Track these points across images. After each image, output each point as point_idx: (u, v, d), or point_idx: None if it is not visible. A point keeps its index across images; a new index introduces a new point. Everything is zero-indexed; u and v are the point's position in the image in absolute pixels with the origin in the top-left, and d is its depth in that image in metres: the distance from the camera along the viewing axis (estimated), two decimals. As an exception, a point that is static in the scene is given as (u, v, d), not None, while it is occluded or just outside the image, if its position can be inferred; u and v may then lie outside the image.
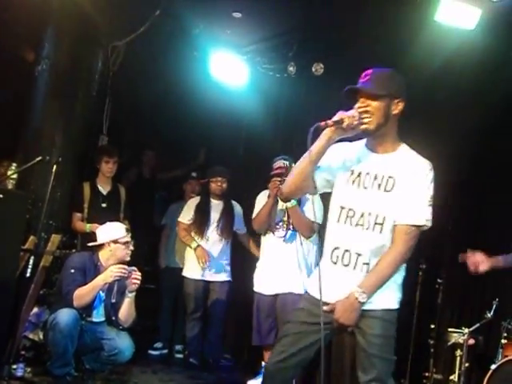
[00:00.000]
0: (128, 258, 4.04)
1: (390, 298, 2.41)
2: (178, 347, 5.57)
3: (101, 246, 4.01)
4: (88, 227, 4.67)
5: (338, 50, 5.27)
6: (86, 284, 3.80)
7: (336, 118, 2.33)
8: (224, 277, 5.06)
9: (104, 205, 4.90)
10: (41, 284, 4.03)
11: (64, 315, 3.66)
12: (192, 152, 6.53)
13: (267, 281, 4.35)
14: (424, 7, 4.35)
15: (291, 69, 5.60)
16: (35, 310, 4.15)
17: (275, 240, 4.35)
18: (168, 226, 5.86)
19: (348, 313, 2.33)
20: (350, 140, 2.49)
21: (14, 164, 4.58)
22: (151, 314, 5.61)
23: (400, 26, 4.57)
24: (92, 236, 4.24)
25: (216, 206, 5.08)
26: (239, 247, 5.26)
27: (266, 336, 4.33)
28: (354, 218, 2.42)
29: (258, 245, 4.68)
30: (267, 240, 4.42)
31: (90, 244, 4.09)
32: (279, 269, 4.29)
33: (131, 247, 4.05)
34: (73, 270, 3.85)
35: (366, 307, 2.35)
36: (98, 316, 3.97)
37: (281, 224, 4.35)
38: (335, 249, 2.45)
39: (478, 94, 4.60)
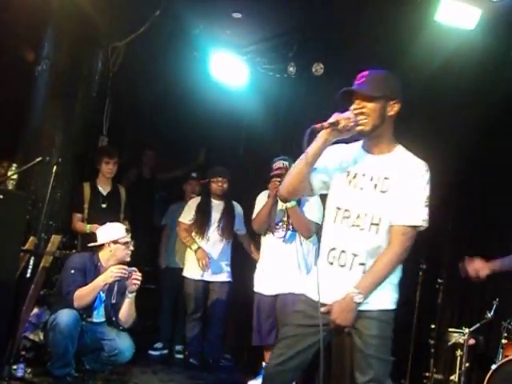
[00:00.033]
0: (128, 259, 4.04)
1: (386, 298, 2.41)
2: (178, 347, 5.57)
3: (101, 246, 4.01)
4: (88, 228, 4.67)
5: (337, 50, 5.27)
6: (86, 285, 3.80)
7: (331, 119, 2.34)
8: (224, 277, 5.06)
9: (104, 205, 4.89)
10: (41, 284, 4.02)
11: (64, 316, 3.66)
12: (192, 152, 6.52)
13: (267, 281, 4.35)
14: (424, 7, 4.35)
15: (291, 69, 5.60)
16: (35, 310, 4.15)
17: (275, 240, 4.35)
18: (168, 226, 5.86)
19: (344, 313, 2.34)
20: (347, 142, 2.50)
21: (14, 164, 4.57)
22: (151, 315, 5.61)
23: (400, 26, 4.57)
24: (92, 236, 4.24)
25: (217, 206, 5.08)
26: (239, 247, 5.26)
27: (267, 336, 4.33)
28: (350, 219, 2.43)
29: (258, 246, 4.68)
30: (267, 240, 4.42)
31: (90, 244, 4.09)
32: (279, 269, 4.29)
33: (131, 247, 4.05)
34: (73, 271, 3.85)
35: (362, 308, 2.36)
36: (99, 316, 3.97)
37: (280, 224, 4.35)
38: (332, 249, 2.46)
39: (478, 93, 4.60)
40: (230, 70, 5.75)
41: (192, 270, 5.03)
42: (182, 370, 4.99)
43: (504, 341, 3.92)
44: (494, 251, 4.19)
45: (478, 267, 3.36)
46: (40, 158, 4.06)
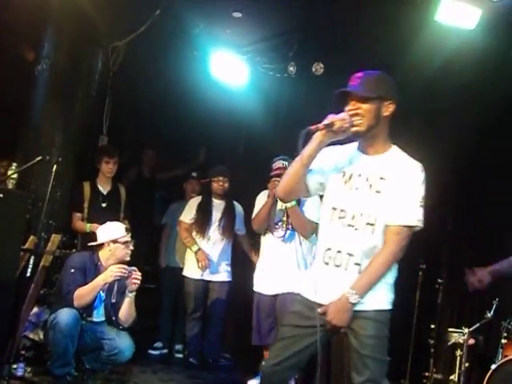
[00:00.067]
0: (128, 258, 4.04)
1: (382, 298, 2.42)
2: (178, 347, 5.57)
3: (101, 245, 4.01)
4: (88, 227, 4.67)
5: (338, 49, 5.27)
6: (86, 284, 3.80)
7: (326, 121, 2.36)
8: (224, 277, 5.07)
9: (104, 204, 4.89)
10: (41, 284, 4.03)
11: (64, 315, 3.66)
12: (192, 152, 6.53)
13: (267, 281, 4.35)
14: (424, 7, 4.35)
15: (291, 68, 5.60)
16: (35, 309, 4.15)
17: (274, 240, 4.35)
18: (168, 225, 5.86)
19: (340, 314, 2.35)
20: (342, 143, 2.51)
21: (14, 164, 4.57)
22: (151, 314, 5.60)
23: (400, 26, 4.57)
24: (92, 236, 4.24)
25: (218, 206, 5.09)
26: (239, 247, 5.26)
27: (266, 336, 4.33)
28: (346, 219, 2.43)
29: (258, 246, 4.68)
30: (266, 240, 4.43)
31: (90, 244, 4.09)
32: (278, 269, 4.30)
33: (131, 247, 4.05)
34: (73, 270, 3.85)
35: (357, 308, 2.36)
36: (99, 316, 3.97)
37: (280, 224, 4.35)
38: (327, 250, 2.47)
39: (478, 93, 4.60)
40: (230, 69, 5.75)
41: (192, 269, 5.03)
42: (182, 370, 4.99)
43: (504, 341, 3.92)
44: (493, 251, 4.20)
45: (480, 276, 3.39)
46: (40, 158, 4.06)
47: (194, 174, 5.95)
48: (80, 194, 4.84)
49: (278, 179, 4.16)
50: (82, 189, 4.85)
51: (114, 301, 3.98)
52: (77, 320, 3.70)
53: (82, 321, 3.80)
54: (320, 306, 2.40)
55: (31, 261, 3.92)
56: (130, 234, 4.10)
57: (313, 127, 2.35)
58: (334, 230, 2.46)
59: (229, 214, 5.07)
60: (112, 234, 4.01)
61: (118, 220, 4.49)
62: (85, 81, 5.06)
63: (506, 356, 3.81)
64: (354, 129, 2.38)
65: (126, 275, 3.82)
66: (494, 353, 3.98)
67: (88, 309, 3.87)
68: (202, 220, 5.04)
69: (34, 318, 4.14)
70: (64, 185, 4.73)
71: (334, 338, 3.35)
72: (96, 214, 4.74)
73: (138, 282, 3.87)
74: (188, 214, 5.13)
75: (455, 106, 4.77)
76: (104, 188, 4.96)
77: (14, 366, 3.77)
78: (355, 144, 2.54)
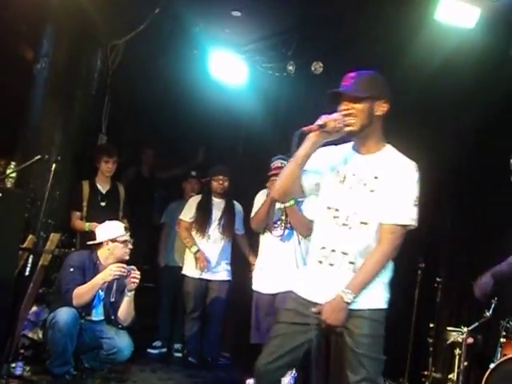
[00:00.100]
0: (127, 257, 4.03)
1: (377, 297, 2.43)
2: (177, 346, 5.57)
3: (99, 244, 4.00)
4: (87, 226, 4.67)
5: (337, 48, 5.27)
6: (85, 283, 3.80)
7: (320, 122, 2.38)
8: (224, 276, 5.07)
9: (103, 203, 4.89)
10: (40, 283, 4.02)
11: (63, 314, 3.65)
12: (191, 151, 6.53)
13: (266, 280, 4.35)
14: (424, 6, 4.35)
15: (290, 68, 5.60)
16: (34, 308, 4.15)
17: (273, 239, 4.35)
18: (167, 224, 5.86)
19: (335, 313, 2.35)
20: (336, 143, 2.53)
21: (13, 163, 4.57)
22: (150, 313, 5.60)
23: (400, 25, 4.57)
24: (91, 235, 4.23)
25: (218, 205, 5.09)
26: (239, 246, 5.25)
27: (265, 334, 4.30)
28: (340, 219, 2.45)
29: (257, 244, 4.68)
30: (265, 239, 4.43)
31: (89, 243, 4.08)
32: (277, 268, 4.29)
33: (130, 246, 4.05)
34: (72, 269, 3.84)
35: (353, 307, 2.37)
36: (97, 315, 3.96)
37: (279, 223, 4.35)
38: (321, 248, 2.48)
39: (478, 92, 4.60)
40: (229, 68, 5.75)
41: (192, 268, 5.03)
42: (181, 369, 5.00)
43: (502, 339, 3.92)
44: (493, 251, 4.20)
45: (485, 284, 3.50)
46: (39, 156, 4.05)
47: (194, 173, 5.94)
48: (79, 192, 4.83)
49: (276, 178, 4.16)
50: (80, 188, 4.85)
51: (113, 300, 3.97)
52: (76, 319, 3.69)
53: (81, 320, 3.79)
54: (315, 304, 2.41)
55: (30, 260, 3.92)
56: (128, 233, 4.10)
57: (306, 128, 2.38)
58: (329, 230, 2.47)
59: (229, 213, 5.08)
60: (111, 233, 4.01)
61: (116, 219, 4.48)
62: (84, 80, 5.05)
63: (505, 355, 3.81)
64: (347, 129, 2.40)
65: (125, 274, 3.82)
66: (493, 352, 3.98)
67: (87, 308, 3.86)
68: (202, 219, 5.04)
69: (33, 317, 4.14)
70: (63, 184, 4.73)
71: (333, 338, 3.35)
72: (95, 213, 4.73)
73: (137, 281, 3.87)
74: (188, 213, 5.13)
75: (455, 104, 4.77)
76: (103, 187, 4.96)
77: (13, 365, 3.77)
78: (350, 144, 2.56)
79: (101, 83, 5.22)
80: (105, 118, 5.48)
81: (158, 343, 5.56)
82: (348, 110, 2.39)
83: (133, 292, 3.93)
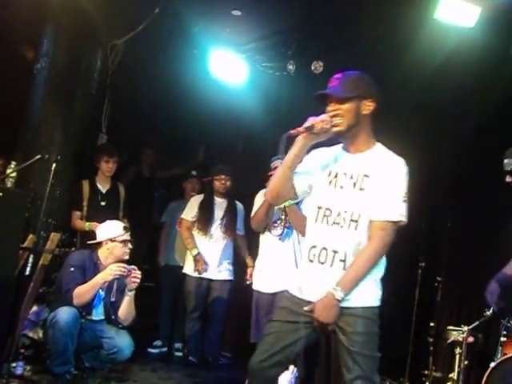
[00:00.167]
0: (127, 257, 4.04)
1: (369, 295, 2.44)
2: (178, 345, 5.57)
3: (99, 244, 4.01)
4: (87, 225, 4.67)
5: (337, 48, 5.27)
6: (85, 282, 3.80)
7: (307, 124, 2.42)
8: (226, 275, 5.07)
9: (103, 203, 4.89)
10: (40, 282, 4.02)
11: (64, 313, 3.66)
12: (191, 150, 6.53)
13: (265, 279, 4.35)
14: (424, 5, 4.35)
15: (290, 67, 5.59)
16: (34, 308, 4.15)
17: (272, 238, 4.35)
18: (168, 223, 5.86)
19: (327, 311, 2.37)
20: (328, 145, 2.56)
21: (13, 162, 4.57)
22: (151, 312, 5.60)
23: (400, 25, 4.57)
24: (91, 234, 4.23)
25: (220, 204, 5.10)
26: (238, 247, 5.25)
27: (265, 334, 4.32)
28: (331, 217, 2.48)
29: (257, 244, 4.67)
30: (265, 238, 4.42)
31: (89, 242, 4.09)
32: (276, 267, 4.29)
33: (130, 245, 4.05)
34: (72, 269, 3.85)
35: (345, 305, 2.38)
36: (98, 314, 3.96)
37: (278, 222, 4.35)
38: (312, 247, 2.51)
39: (478, 91, 4.60)
40: (229, 67, 5.74)
41: (193, 267, 5.03)
42: (181, 368, 5.00)
43: (503, 339, 3.92)
44: (493, 250, 4.20)
45: (493, 291, 3.52)
46: (39, 156, 4.06)
47: (194, 173, 5.94)
48: (79, 192, 4.83)
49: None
50: (81, 187, 4.85)
51: (113, 299, 3.97)
52: (76, 318, 3.70)
53: (82, 319, 3.79)
54: (308, 303, 2.43)
55: (30, 259, 3.93)
56: (129, 233, 4.10)
57: (293, 131, 2.42)
58: (320, 229, 2.50)
59: (231, 213, 5.08)
60: (110, 232, 4.01)
61: (117, 219, 4.49)
62: (84, 79, 5.05)
63: (505, 354, 3.81)
64: (335, 129, 2.44)
65: (125, 274, 3.82)
66: (493, 351, 3.98)
67: (87, 307, 3.86)
68: (204, 218, 5.05)
69: (34, 317, 4.14)
70: (63, 183, 4.73)
71: (332, 336, 3.36)
72: (95, 212, 4.73)
73: (138, 280, 3.87)
74: (189, 212, 5.14)
75: (455, 103, 4.77)
76: (103, 187, 4.96)
77: (14, 365, 3.78)
78: (341, 144, 2.59)
79: (101, 83, 5.22)
80: (105, 118, 5.48)
81: (158, 343, 5.56)
82: (335, 110, 2.43)
83: (133, 291, 3.93)
